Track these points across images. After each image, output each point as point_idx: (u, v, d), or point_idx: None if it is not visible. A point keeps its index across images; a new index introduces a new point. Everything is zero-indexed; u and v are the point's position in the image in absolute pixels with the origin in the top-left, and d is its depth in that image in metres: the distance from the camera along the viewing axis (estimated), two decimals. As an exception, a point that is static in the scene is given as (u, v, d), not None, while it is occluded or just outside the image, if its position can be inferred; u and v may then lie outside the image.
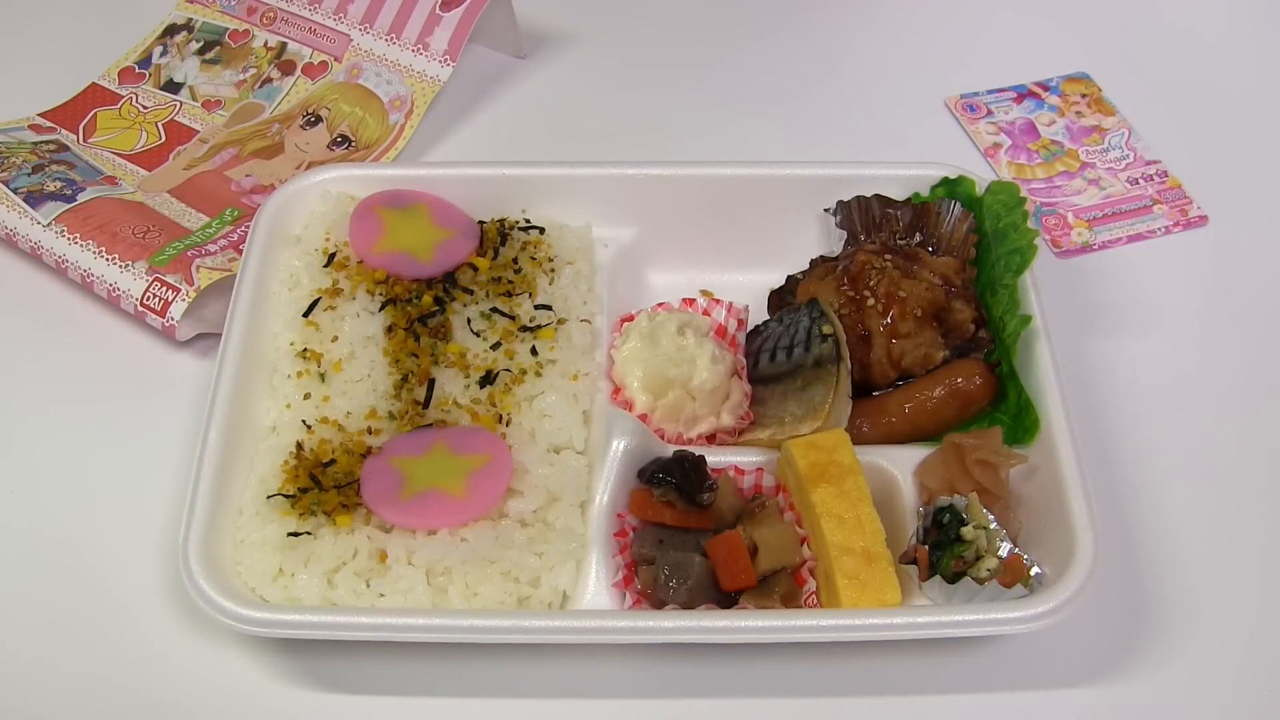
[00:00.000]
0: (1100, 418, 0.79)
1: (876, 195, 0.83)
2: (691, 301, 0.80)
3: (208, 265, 0.81)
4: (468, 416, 0.72)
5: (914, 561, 0.66)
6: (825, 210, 0.85)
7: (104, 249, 0.82)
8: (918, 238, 0.82)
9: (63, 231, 0.83)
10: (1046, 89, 1.03)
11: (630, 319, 0.78)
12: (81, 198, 0.85)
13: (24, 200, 0.84)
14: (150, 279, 0.80)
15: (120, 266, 0.81)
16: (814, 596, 0.67)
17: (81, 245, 0.82)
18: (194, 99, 0.99)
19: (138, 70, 1.01)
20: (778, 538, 0.67)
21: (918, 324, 0.75)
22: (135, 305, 0.80)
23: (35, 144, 0.92)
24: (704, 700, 0.67)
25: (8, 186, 0.85)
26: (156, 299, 0.79)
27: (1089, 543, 0.64)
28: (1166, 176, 0.96)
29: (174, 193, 0.90)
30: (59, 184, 0.86)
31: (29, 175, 0.86)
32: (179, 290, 0.79)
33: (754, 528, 0.68)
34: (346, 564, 0.66)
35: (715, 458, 0.71)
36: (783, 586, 0.66)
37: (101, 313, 0.84)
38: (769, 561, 0.66)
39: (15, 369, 0.82)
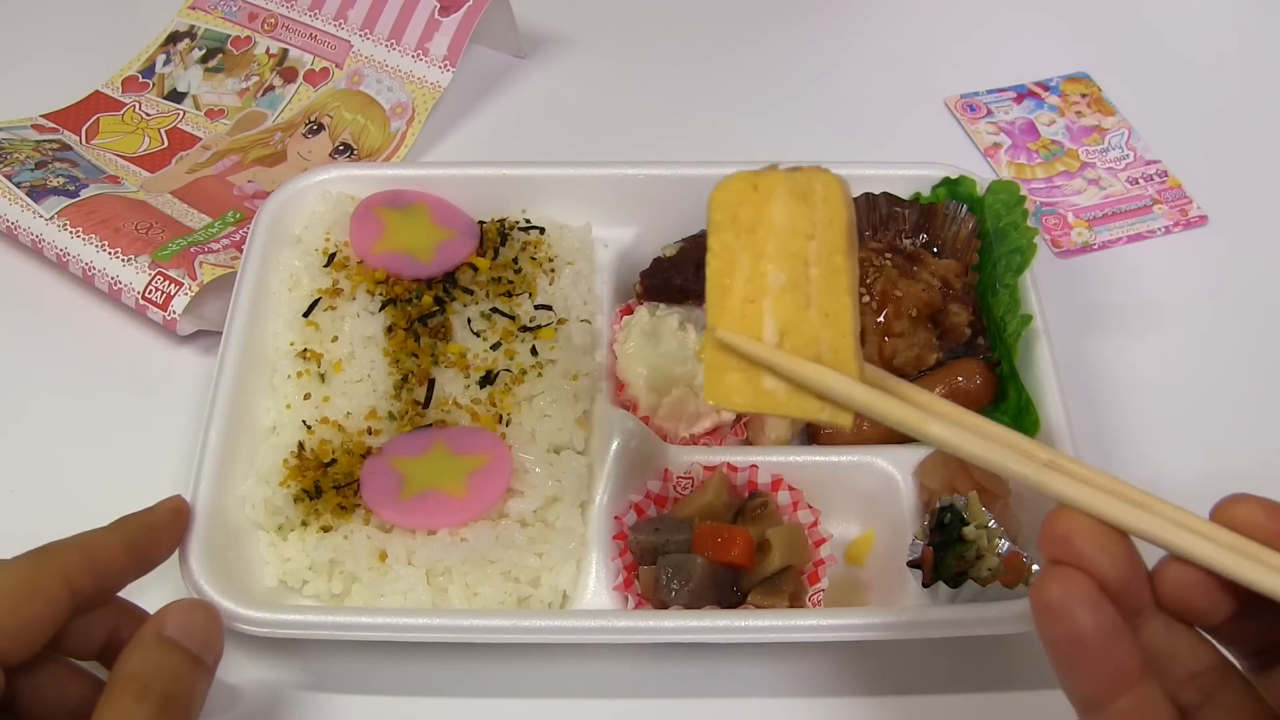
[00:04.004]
0: (1100, 418, 0.79)
1: (885, 193, 0.83)
2: (691, 301, 0.81)
3: (210, 261, 0.81)
4: (468, 416, 0.72)
5: (919, 565, 0.66)
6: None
7: (106, 243, 0.82)
8: (923, 238, 0.82)
9: (65, 225, 0.83)
10: (1046, 89, 1.03)
11: (629, 311, 0.79)
12: (84, 194, 0.85)
13: (27, 194, 0.85)
14: (153, 273, 0.80)
15: (123, 260, 0.81)
16: (820, 595, 0.66)
17: (84, 239, 0.82)
18: (197, 108, 0.99)
19: (141, 79, 1.01)
20: (789, 536, 0.67)
21: (912, 324, 0.75)
22: (137, 299, 0.80)
23: (38, 142, 0.92)
24: (704, 700, 0.66)
25: (10, 181, 0.86)
26: (159, 293, 0.79)
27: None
28: (1166, 176, 0.96)
29: (176, 194, 0.91)
30: (62, 180, 0.86)
31: (32, 170, 0.87)
32: (181, 284, 0.79)
33: (764, 524, 0.68)
34: (346, 564, 0.66)
35: (711, 456, 0.71)
36: (791, 585, 0.66)
37: (101, 308, 0.84)
38: (782, 558, 0.66)
39: (14, 366, 0.82)
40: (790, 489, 0.70)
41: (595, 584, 0.66)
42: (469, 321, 0.77)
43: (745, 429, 0.75)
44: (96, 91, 1.00)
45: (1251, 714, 0.43)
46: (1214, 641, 0.44)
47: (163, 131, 0.97)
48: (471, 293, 0.79)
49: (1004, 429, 0.46)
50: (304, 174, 0.85)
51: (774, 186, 0.46)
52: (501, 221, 0.83)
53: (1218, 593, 0.42)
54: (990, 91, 1.03)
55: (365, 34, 1.00)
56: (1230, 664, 0.44)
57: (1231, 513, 0.43)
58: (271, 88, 1.00)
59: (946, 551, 0.66)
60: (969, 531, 0.65)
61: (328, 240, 0.81)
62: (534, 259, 0.81)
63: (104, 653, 0.57)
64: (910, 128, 1.00)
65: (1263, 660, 0.44)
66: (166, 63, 1.02)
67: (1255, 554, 0.41)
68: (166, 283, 0.80)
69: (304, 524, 0.68)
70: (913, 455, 0.71)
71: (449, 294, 0.78)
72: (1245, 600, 0.42)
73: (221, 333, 0.75)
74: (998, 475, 0.67)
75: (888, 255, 0.78)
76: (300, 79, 1.00)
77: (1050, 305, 0.77)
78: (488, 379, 0.74)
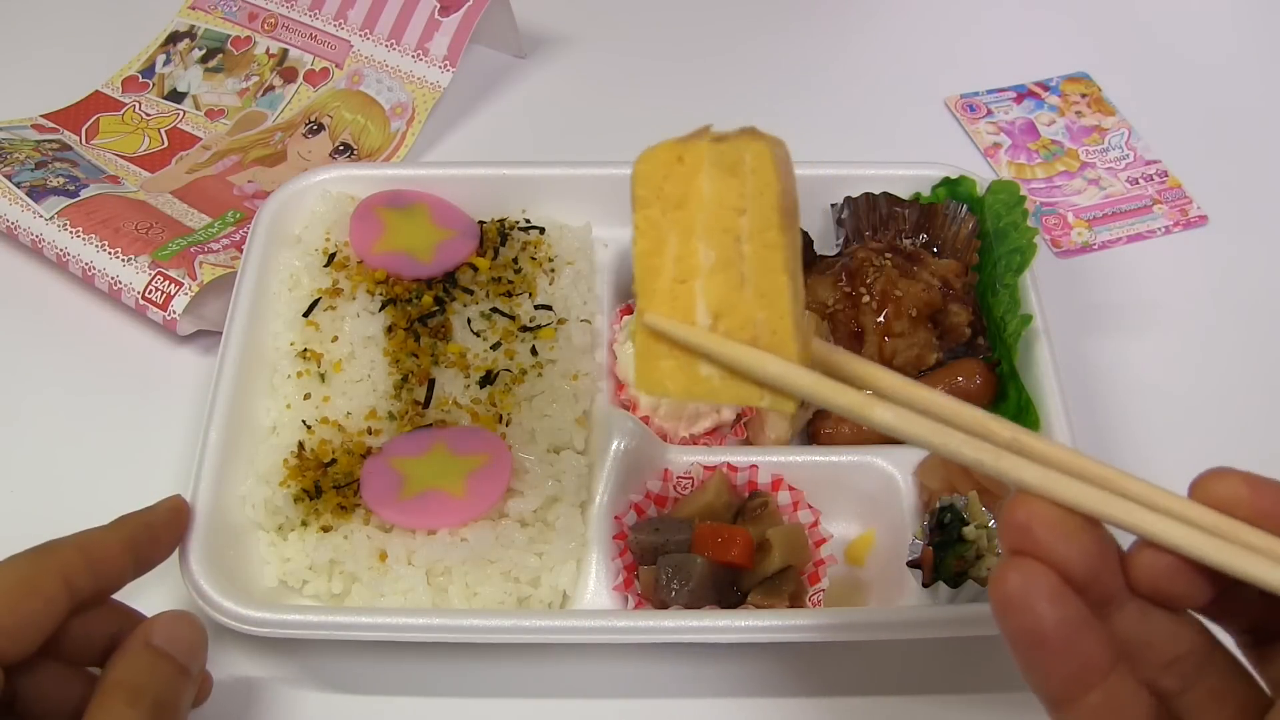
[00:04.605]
0: (1100, 418, 0.79)
1: (885, 193, 0.83)
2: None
3: (210, 261, 0.81)
4: (468, 416, 0.72)
5: (919, 565, 0.66)
6: (831, 205, 0.85)
7: (106, 243, 0.82)
8: (923, 238, 0.82)
9: (65, 225, 0.83)
10: (1046, 89, 1.03)
11: (629, 311, 0.79)
12: (85, 194, 0.85)
13: (27, 194, 0.85)
14: (153, 273, 0.80)
15: (123, 260, 0.81)
16: (820, 595, 0.66)
17: (84, 239, 0.82)
18: (197, 108, 0.99)
19: (141, 79, 1.01)
20: (790, 536, 0.67)
21: (912, 324, 0.75)
22: (137, 299, 0.80)
23: (38, 142, 0.92)
24: (704, 700, 0.66)
25: (10, 181, 0.86)
26: (159, 292, 0.79)
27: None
28: (1166, 176, 0.96)
29: (176, 194, 0.91)
30: (62, 180, 0.86)
31: (32, 170, 0.87)
32: (181, 284, 0.79)
33: (764, 524, 0.68)
34: (346, 564, 0.66)
35: (711, 456, 0.71)
36: (791, 585, 0.66)
37: (102, 308, 0.84)
38: (782, 558, 0.66)
39: (14, 365, 0.82)
40: (790, 489, 0.70)
41: (595, 584, 0.66)
42: (469, 321, 0.77)
43: (745, 429, 0.75)
44: (96, 91, 1.00)
45: (1238, 699, 0.41)
46: (1204, 620, 0.41)
47: (163, 131, 0.97)
48: (471, 293, 0.79)
49: (963, 405, 0.43)
50: (304, 174, 0.85)
51: (700, 158, 0.42)
52: (501, 221, 0.83)
53: (1194, 577, 0.39)
54: (990, 91, 1.03)
55: (365, 34, 1.00)
56: (1215, 645, 0.41)
57: (1211, 489, 0.40)
58: (271, 88, 1.00)
59: (946, 551, 0.66)
60: (969, 531, 0.65)
61: (328, 240, 0.81)
62: (534, 259, 0.81)
63: (105, 658, 0.57)
64: (910, 128, 1.00)
65: (1256, 638, 0.42)
66: (166, 63, 1.02)
67: (1234, 534, 0.39)
68: (166, 283, 0.80)
69: (304, 524, 0.68)
70: (913, 455, 0.71)
71: (449, 294, 0.78)
72: (1226, 583, 0.39)
73: (221, 333, 0.75)
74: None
75: (888, 255, 0.78)
76: (300, 79, 1.00)
77: (1050, 305, 0.77)
78: (488, 379, 0.74)
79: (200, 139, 0.97)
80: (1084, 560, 0.38)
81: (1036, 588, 0.38)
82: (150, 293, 0.80)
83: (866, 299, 0.75)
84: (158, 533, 0.62)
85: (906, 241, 0.81)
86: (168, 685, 0.54)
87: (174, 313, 0.79)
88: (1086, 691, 0.39)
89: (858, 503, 0.72)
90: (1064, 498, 0.39)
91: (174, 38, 1.04)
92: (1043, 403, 0.72)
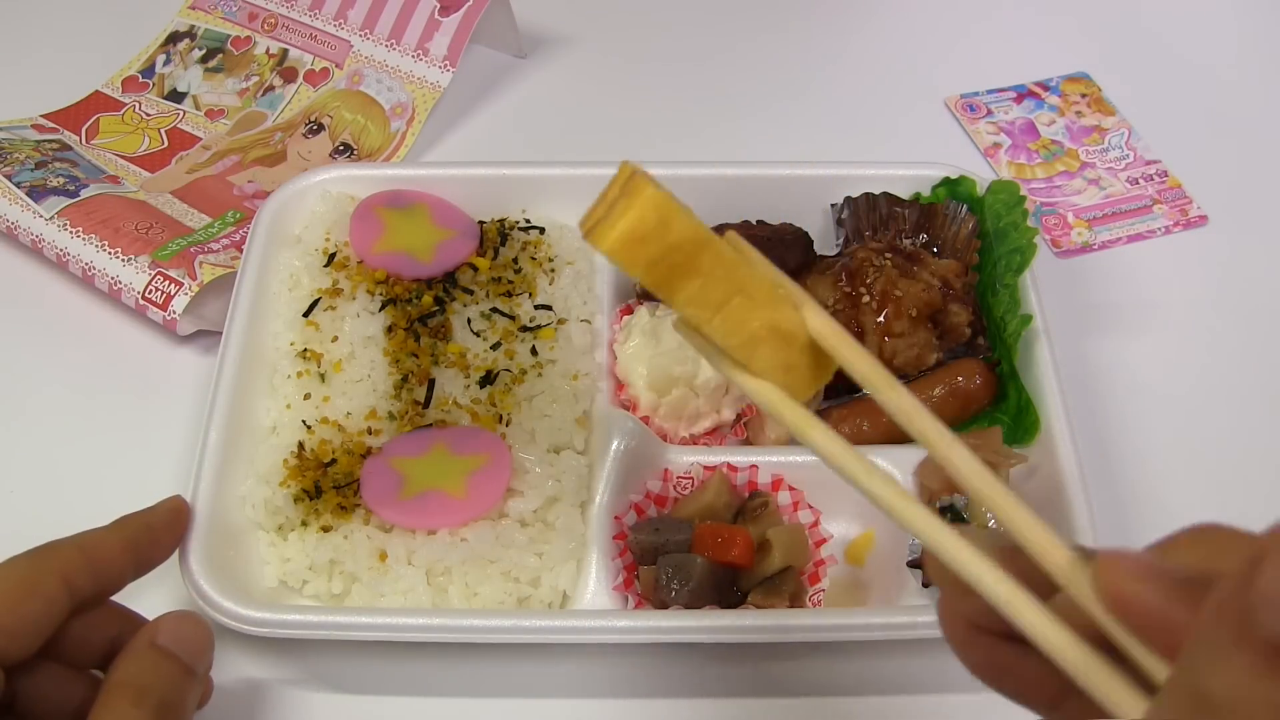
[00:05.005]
0: (1100, 418, 0.79)
1: (885, 193, 0.83)
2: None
3: (210, 261, 0.81)
4: (468, 416, 0.72)
5: (919, 566, 0.66)
6: (831, 205, 0.85)
7: (106, 243, 0.82)
8: (923, 238, 0.82)
9: (65, 225, 0.83)
10: (1046, 89, 1.03)
11: (629, 311, 0.79)
12: (85, 194, 0.85)
13: (27, 194, 0.85)
14: (153, 273, 0.80)
15: (123, 260, 0.81)
16: (820, 595, 0.66)
17: (84, 239, 0.82)
18: (197, 108, 0.99)
19: (141, 79, 1.01)
20: (790, 536, 0.67)
21: (912, 324, 0.75)
22: (137, 299, 0.80)
23: (38, 142, 0.92)
24: (704, 700, 0.66)
25: (10, 181, 0.86)
26: (159, 292, 0.79)
27: (1089, 543, 0.64)
28: (1166, 176, 0.96)
29: (176, 194, 0.91)
30: (62, 180, 0.86)
31: (32, 170, 0.87)
32: (181, 284, 0.79)
33: (764, 525, 0.68)
34: (346, 564, 0.66)
35: (711, 456, 0.71)
36: (791, 585, 0.66)
37: (101, 308, 0.84)
38: (782, 558, 0.66)
39: (14, 366, 0.82)
40: (790, 489, 0.70)
41: (595, 584, 0.66)
42: (469, 321, 0.77)
43: (745, 429, 0.75)
44: (96, 91, 1.00)
45: None
46: None
47: (163, 131, 0.97)
48: (471, 293, 0.79)
49: (933, 422, 0.41)
50: (304, 174, 0.85)
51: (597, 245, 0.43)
52: (501, 221, 0.83)
53: None
54: (990, 91, 1.03)
55: (365, 34, 1.00)
56: None
57: (1099, 580, 0.34)
58: (271, 88, 1.00)
59: (946, 551, 0.66)
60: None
61: (328, 240, 0.81)
62: (534, 259, 0.81)
63: (105, 661, 0.57)
64: (910, 128, 1.00)
65: None
66: (166, 63, 1.02)
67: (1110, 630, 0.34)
68: (166, 283, 0.80)
69: (304, 524, 0.68)
70: (913, 455, 0.71)
71: (449, 294, 0.78)
72: None
73: (221, 333, 0.75)
74: (999, 477, 0.68)
75: (888, 255, 0.78)
76: (300, 79, 1.00)
77: (1050, 305, 0.77)
78: (488, 379, 0.74)
79: (200, 139, 0.97)
80: (986, 611, 0.38)
81: (948, 632, 0.40)
82: (150, 293, 0.80)
83: (866, 299, 0.75)
84: (158, 533, 0.62)
85: (906, 241, 0.81)
86: (173, 686, 0.54)
87: (174, 313, 0.79)
88: (1055, 705, 0.39)
89: (858, 503, 0.71)
90: (947, 559, 0.38)
91: (174, 38, 1.04)
92: (1043, 403, 0.72)
